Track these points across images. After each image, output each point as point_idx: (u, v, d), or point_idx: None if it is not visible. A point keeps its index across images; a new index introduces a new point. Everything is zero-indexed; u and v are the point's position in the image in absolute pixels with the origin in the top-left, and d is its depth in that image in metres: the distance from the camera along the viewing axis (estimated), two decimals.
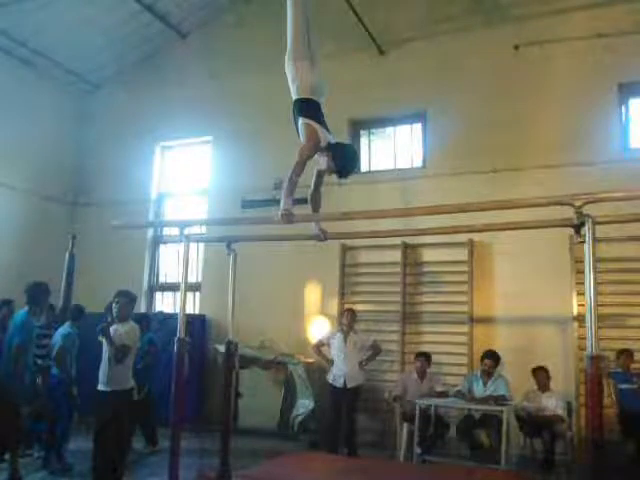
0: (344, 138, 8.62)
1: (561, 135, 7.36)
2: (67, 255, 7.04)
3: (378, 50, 8.54)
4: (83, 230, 9.24)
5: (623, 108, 7.45)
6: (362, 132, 8.83)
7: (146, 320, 6.66)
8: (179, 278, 4.66)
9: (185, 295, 4.55)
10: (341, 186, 8.11)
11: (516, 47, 7.73)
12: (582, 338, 6.22)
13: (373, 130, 8.67)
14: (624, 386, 5.86)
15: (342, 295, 8.13)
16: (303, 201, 8.46)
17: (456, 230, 4.43)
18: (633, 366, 6.00)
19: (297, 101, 3.66)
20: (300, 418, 7.30)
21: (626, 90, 7.40)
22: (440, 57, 8.15)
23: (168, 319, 8.05)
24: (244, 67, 9.29)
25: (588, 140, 7.26)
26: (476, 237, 7.28)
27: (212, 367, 6.81)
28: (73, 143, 10.37)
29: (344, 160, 3.69)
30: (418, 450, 6.20)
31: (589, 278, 3.27)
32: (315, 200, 3.91)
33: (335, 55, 8.70)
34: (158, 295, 10.03)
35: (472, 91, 7.31)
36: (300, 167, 3.57)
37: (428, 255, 7.77)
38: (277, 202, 8.72)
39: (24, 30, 8.94)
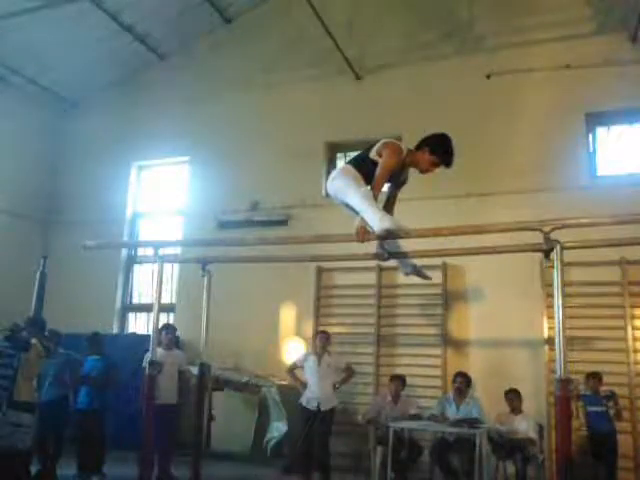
0: (320, 160, 8.77)
1: (531, 162, 7.56)
2: (38, 274, 6.94)
3: (355, 76, 8.71)
4: (56, 249, 9.14)
5: (590, 136, 7.70)
6: (339, 155, 8.96)
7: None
8: (153, 299, 4.63)
9: (158, 316, 4.53)
10: (321, 208, 8.20)
11: (488, 76, 7.96)
12: (553, 361, 6.32)
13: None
14: (593, 409, 5.96)
15: (317, 317, 8.13)
16: (279, 223, 8.48)
17: (428, 254, 4.49)
18: (602, 389, 6.10)
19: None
20: (273, 442, 7.21)
21: (593, 119, 7.66)
22: (415, 84, 8.35)
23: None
24: (222, 89, 9.37)
25: (557, 167, 7.47)
26: (449, 260, 7.39)
27: (184, 389, 6.73)
28: (47, 161, 10.26)
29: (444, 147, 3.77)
30: (392, 474, 6.17)
31: (558, 302, 3.36)
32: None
33: (313, 79, 8.88)
34: (131, 316, 9.89)
35: (445, 117, 7.46)
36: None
37: (403, 277, 7.82)
38: (253, 223, 8.89)
39: (2, 48, 8.88)
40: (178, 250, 8.49)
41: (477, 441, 5.78)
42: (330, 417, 6.48)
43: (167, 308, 8.90)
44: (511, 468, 6.12)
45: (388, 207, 3.99)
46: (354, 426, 7.30)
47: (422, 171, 3.89)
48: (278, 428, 7.20)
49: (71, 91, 10.33)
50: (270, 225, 8.57)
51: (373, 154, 3.79)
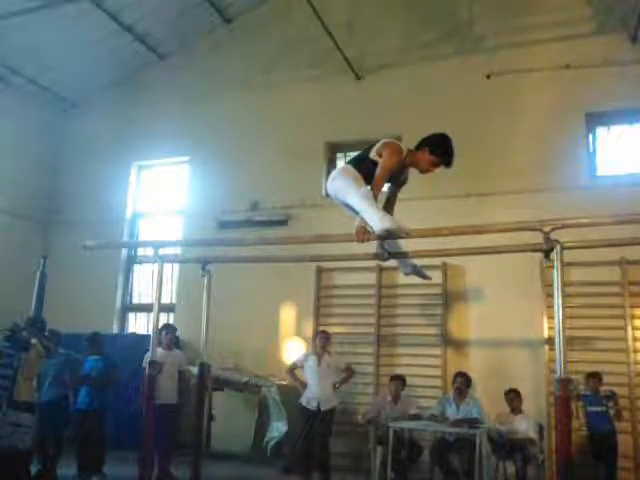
0: (320, 160, 8.77)
1: (531, 162, 7.56)
2: (38, 274, 6.93)
3: (355, 75, 8.71)
4: (56, 249, 9.13)
5: (590, 136, 7.70)
6: (339, 155, 8.96)
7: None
8: (153, 299, 4.63)
9: (158, 316, 4.53)
10: (321, 208, 8.20)
11: (488, 76, 7.96)
12: (553, 361, 6.32)
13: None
14: (593, 409, 5.96)
15: (317, 317, 8.13)
16: (279, 223, 8.49)
17: (428, 254, 4.49)
18: (602, 389, 6.10)
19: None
20: (273, 442, 7.20)
21: (593, 119, 7.66)
22: (415, 84, 8.35)
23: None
24: (222, 89, 9.37)
25: (557, 167, 7.47)
26: (449, 260, 7.39)
27: (184, 389, 6.73)
28: (47, 161, 10.26)
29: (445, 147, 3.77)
30: (392, 474, 6.17)
31: (558, 302, 3.35)
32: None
33: (313, 79, 8.88)
34: (131, 316, 9.89)
35: (445, 117, 7.46)
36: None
37: (403, 277, 7.82)
38: (253, 223, 8.88)
39: (2, 48, 8.89)
40: (178, 250, 8.48)
41: (477, 441, 5.78)
42: (330, 417, 6.48)
43: (167, 308, 8.90)
44: (511, 468, 6.12)
45: (388, 207, 3.99)
46: (354, 426, 7.30)
47: (422, 171, 3.89)
48: (278, 428, 7.20)
49: (71, 91, 10.33)
50: (270, 225, 8.57)
51: (373, 154, 3.79)
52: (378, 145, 3.80)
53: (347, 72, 8.64)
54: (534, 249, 3.63)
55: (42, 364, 5.65)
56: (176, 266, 9.23)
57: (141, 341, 7.22)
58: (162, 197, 10.12)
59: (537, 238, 3.48)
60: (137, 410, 5.26)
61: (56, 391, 6.06)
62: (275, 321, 8.38)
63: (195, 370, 5.65)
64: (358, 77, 8.73)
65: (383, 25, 8.69)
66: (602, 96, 7.44)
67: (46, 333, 5.91)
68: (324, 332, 6.85)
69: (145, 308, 9.48)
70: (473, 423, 6.07)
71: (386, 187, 3.91)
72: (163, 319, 8.26)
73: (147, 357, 4.56)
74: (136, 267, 10.00)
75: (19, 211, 9.61)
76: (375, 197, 3.62)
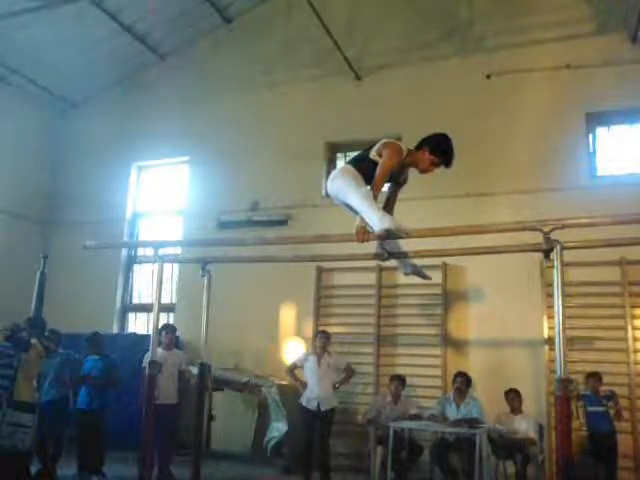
0: (320, 160, 8.77)
1: (531, 162, 7.56)
2: (38, 274, 6.94)
3: (355, 75, 8.71)
4: (56, 249, 9.13)
5: (590, 136, 7.70)
6: (339, 155, 8.96)
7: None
8: (153, 299, 4.63)
9: (158, 316, 4.53)
10: (321, 208, 8.21)
11: (488, 76, 7.97)
12: (553, 361, 6.32)
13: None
14: (593, 409, 5.96)
15: (317, 317, 8.13)
16: (279, 223, 8.49)
17: (428, 254, 4.49)
18: (602, 388, 6.10)
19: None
20: (274, 442, 7.20)
21: (593, 119, 7.66)
22: (415, 84, 8.35)
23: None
24: (222, 89, 9.37)
25: (557, 167, 7.47)
26: (449, 260, 7.39)
27: (184, 389, 6.75)
28: (47, 161, 10.26)
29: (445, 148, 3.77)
30: (392, 474, 6.17)
31: (558, 302, 3.36)
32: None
33: (313, 79, 8.88)
34: (131, 316, 9.89)
35: (445, 117, 7.46)
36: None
37: (403, 277, 7.81)
38: (253, 223, 8.87)
39: (1, 48, 8.89)
40: (178, 250, 8.49)
41: (477, 441, 5.78)
42: (330, 417, 6.48)
43: (167, 308, 8.90)
44: (511, 468, 6.12)
45: (388, 207, 3.99)
46: (354, 426, 7.30)
47: (422, 171, 3.88)
48: (278, 428, 7.19)
49: (71, 91, 10.33)
50: (270, 225, 8.58)
51: (373, 154, 3.79)
52: (378, 145, 3.81)
53: (347, 72, 8.64)
54: (534, 249, 3.64)
55: (42, 364, 5.65)
56: (176, 266, 9.24)
57: (141, 341, 7.23)
58: (162, 197, 10.12)
59: (537, 238, 3.48)
60: (137, 410, 5.26)
61: (56, 391, 6.06)
62: (275, 321, 8.38)
63: (195, 370, 5.65)
64: (358, 77, 8.73)
65: (383, 25, 8.69)
66: (602, 96, 7.44)
67: (46, 333, 5.91)
68: (324, 332, 6.85)
69: (145, 308, 9.48)
70: (473, 423, 6.07)
71: (386, 187, 3.91)
72: (163, 319, 8.26)
73: (147, 357, 4.56)
74: (136, 267, 10.01)
75: (19, 211, 9.61)
76: (375, 197, 3.62)
